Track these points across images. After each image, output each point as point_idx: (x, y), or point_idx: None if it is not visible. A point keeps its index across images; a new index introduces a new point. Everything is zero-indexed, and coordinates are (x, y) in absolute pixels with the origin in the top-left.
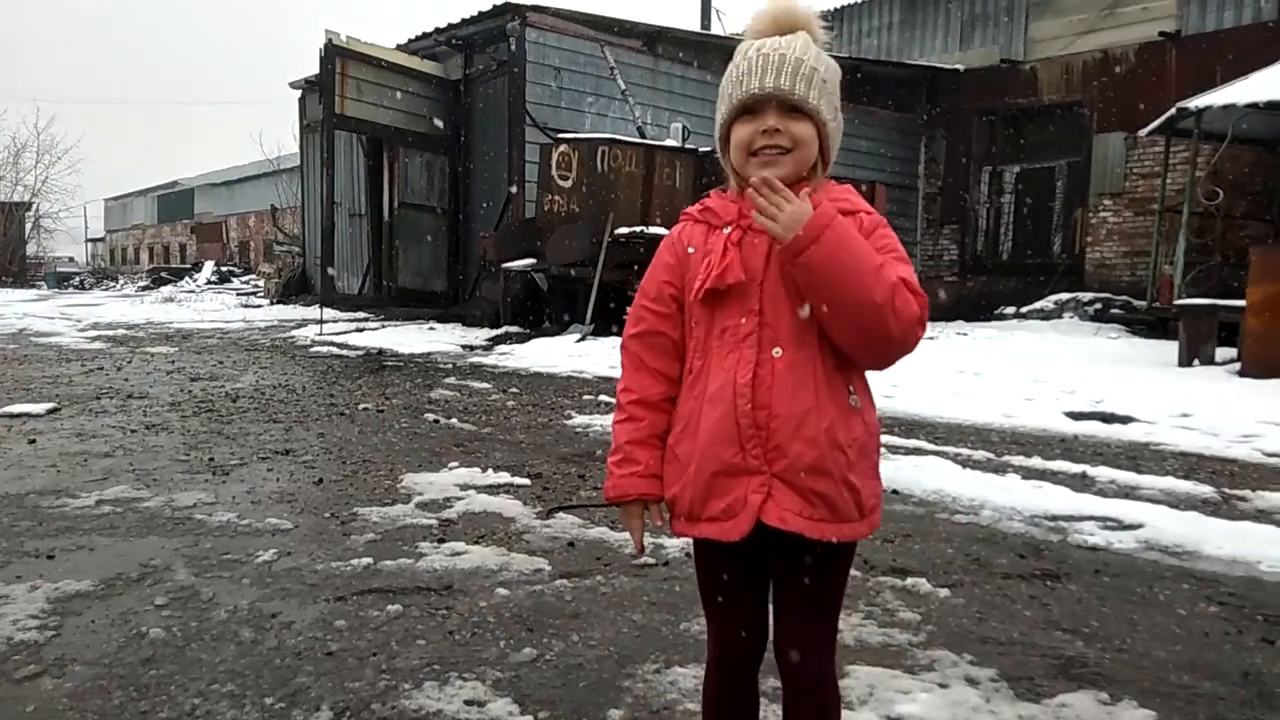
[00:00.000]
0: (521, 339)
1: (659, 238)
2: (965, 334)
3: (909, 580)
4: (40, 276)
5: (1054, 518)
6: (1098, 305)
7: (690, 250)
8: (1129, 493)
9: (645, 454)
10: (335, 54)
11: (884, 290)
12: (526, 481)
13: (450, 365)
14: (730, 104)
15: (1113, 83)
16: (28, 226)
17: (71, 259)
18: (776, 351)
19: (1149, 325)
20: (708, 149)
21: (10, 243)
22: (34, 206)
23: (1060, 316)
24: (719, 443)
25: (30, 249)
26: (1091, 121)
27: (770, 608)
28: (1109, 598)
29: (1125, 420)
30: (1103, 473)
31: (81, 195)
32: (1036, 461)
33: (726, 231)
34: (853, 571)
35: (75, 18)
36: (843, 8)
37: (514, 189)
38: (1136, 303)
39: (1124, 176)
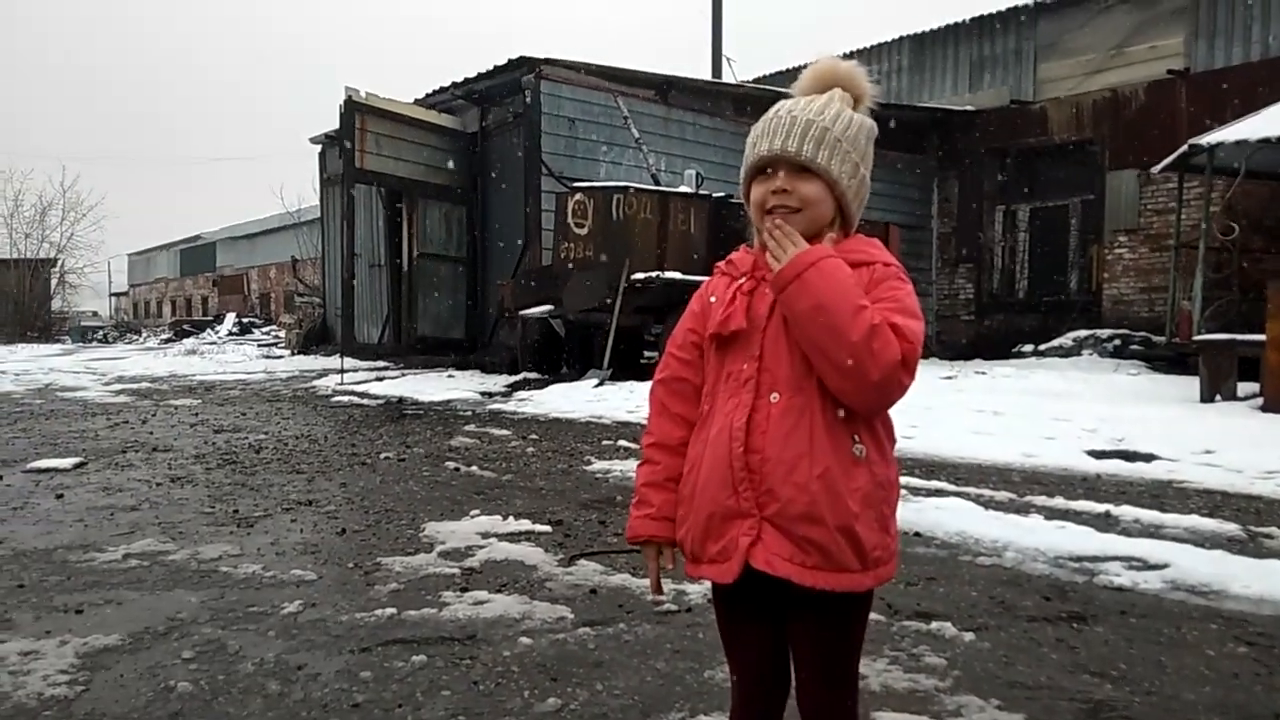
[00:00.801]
0: (540, 385)
1: (674, 283)
2: (984, 373)
3: (933, 624)
4: (65, 331)
5: (1079, 559)
6: (1117, 341)
7: (712, 300)
8: (1153, 532)
9: (658, 496)
10: (355, 109)
11: (860, 330)
12: (547, 528)
13: (470, 412)
14: (747, 164)
15: (1124, 121)
16: (53, 282)
17: (95, 313)
18: (774, 397)
19: (1169, 361)
20: (721, 194)
21: (36, 299)
22: (59, 263)
23: (1079, 353)
24: (715, 485)
25: (55, 304)
26: (1104, 159)
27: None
28: (1136, 639)
29: (1148, 458)
30: (1126, 512)
31: (105, 250)
32: (1059, 501)
33: (740, 281)
34: (876, 616)
35: (98, 78)
36: (852, 53)
37: (530, 237)
38: (1155, 338)
39: (1139, 213)
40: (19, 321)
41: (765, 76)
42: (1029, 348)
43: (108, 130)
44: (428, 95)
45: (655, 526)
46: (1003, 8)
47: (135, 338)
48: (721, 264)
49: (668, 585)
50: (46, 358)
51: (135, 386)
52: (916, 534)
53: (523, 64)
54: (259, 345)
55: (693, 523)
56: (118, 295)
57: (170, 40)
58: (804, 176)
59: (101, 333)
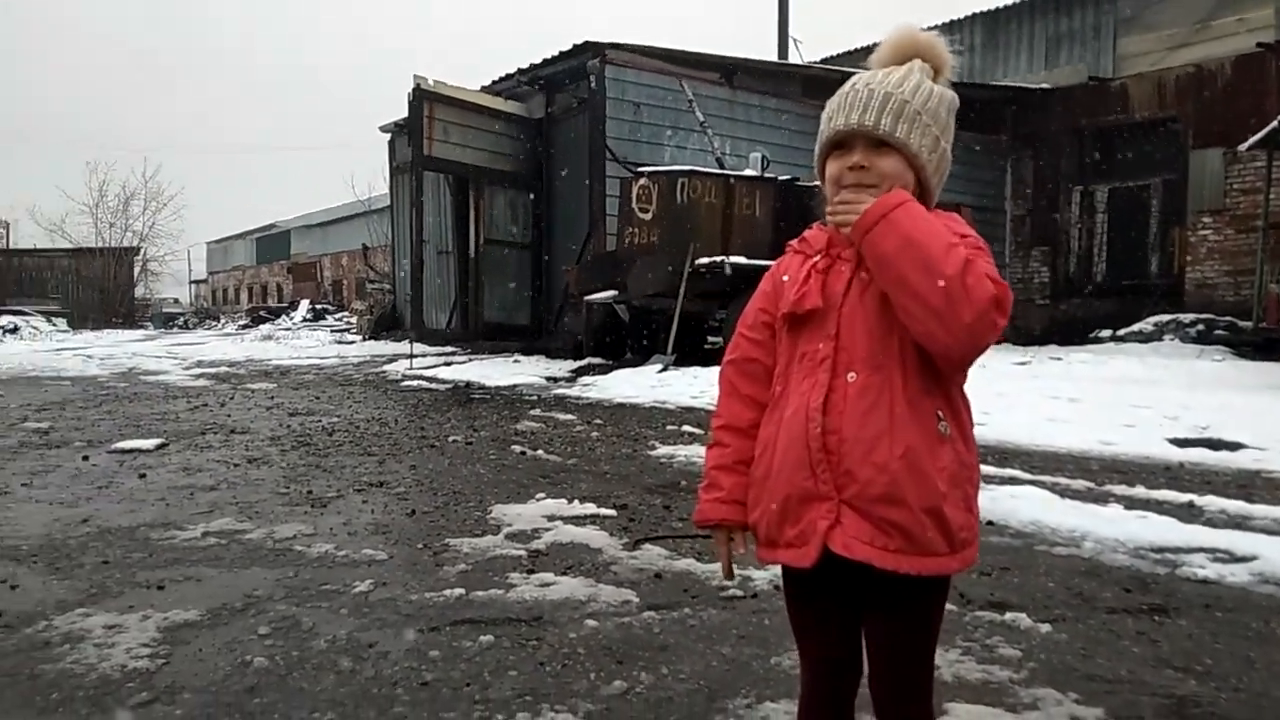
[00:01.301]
0: (604, 370)
1: (739, 267)
2: (1059, 359)
3: (1008, 615)
4: (147, 317)
5: (1160, 550)
6: (1200, 326)
7: (785, 279)
8: (1240, 523)
9: (729, 479)
10: (423, 98)
11: (954, 264)
12: (612, 512)
13: (535, 397)
14: (822, 140)
15: (1209, 97)
16: (136, 270)
17: (176, 300)
18: (851, 376)
19: (1256, 347)
20: (787, 177)
21: (120, 286)
22: (142, 251)
23: (1160, 339)
24: (791, 467)
25: (138, 291)
26: (1187, 137)
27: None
28: (1222, 634)
29: (1234, 447)
30: (1211, 502)
31: (185, 239)
32: (1140, 491)
33: (815, 259)
34: (949, 605)
35: (179, 72)
36: (923, 30)
37: (594, 222)
38: (1242, 323)
39: (1224, 193)
40: (104, 308)
41: (832, 57)
42: (1107, 333)
43: (188, 122)
44: (494, 82)
45: (726, 510)
46: None
47: (214, 324)
48: (794, 242)
49: (735, 570)
50: (130, 343)
51: (214, 371)
52: (990, 523)
53: (587, 49)
54: (331, 331)
55: (766, 506)
56: (197, 282)
57: (247, 36)
58: (882, 151)
59: (182, 319)
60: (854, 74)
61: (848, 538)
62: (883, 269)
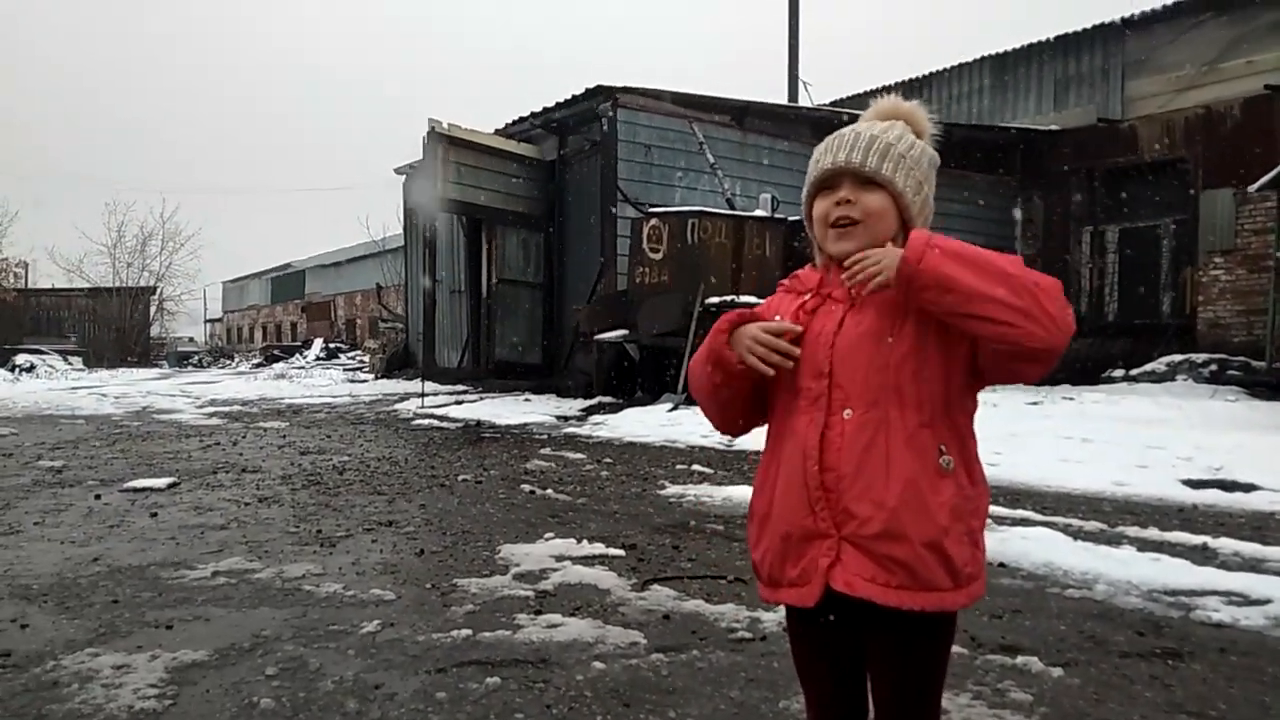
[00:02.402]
0: (615, 409)
1: (750, 307)
2: (1072, 398)
3: (1019, 659)
4: (162, 356)
5: (1174, 592)
6: (1213, 366)
7: (777, 319)
8: (1255, 566)
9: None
10: (438, 140)
11: (1011, 264)
12: (621, 552)
13: (545, 436)
14: (810, 181)
15: (1218, 138)
16: (152, 309)
17: (191, 339)
18: (846, 413)
19: (1270, 387)
20: (796, 218)
21: (136, 325)
22: (158, 290)
23: (1173, 379)
24: (791, 506)
25: (154, 330)
26: (1197, 178)
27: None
28: (1237, 678)
29: (1248, 488)
30: (1225, 544)
31: (201, 279)
32: (1153, 533)
33: (805, 299)
34: (959, 649)
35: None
36: (931, 74)
37: (606, 262)
38: (1255, 363)
39: (1235, 233)
40: (120, 347)
41: (842, 100)
42: (1119, 373)
43: (206, 164)
44: (507, 125)
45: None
46: (1089, 25)
47: (228, 362)
48: (785, 281)
49: (742, 613)
50: (145, 381)
51: (227, 409)
52: (1001, 565)
53: (599, 92)
54: (344, 370)
55: (769, 544)
56: (212, 321)
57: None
58: (868, 189)
59: (197, 358)
60: (861, 115)
61: (849, 575)
62: (949, 293)
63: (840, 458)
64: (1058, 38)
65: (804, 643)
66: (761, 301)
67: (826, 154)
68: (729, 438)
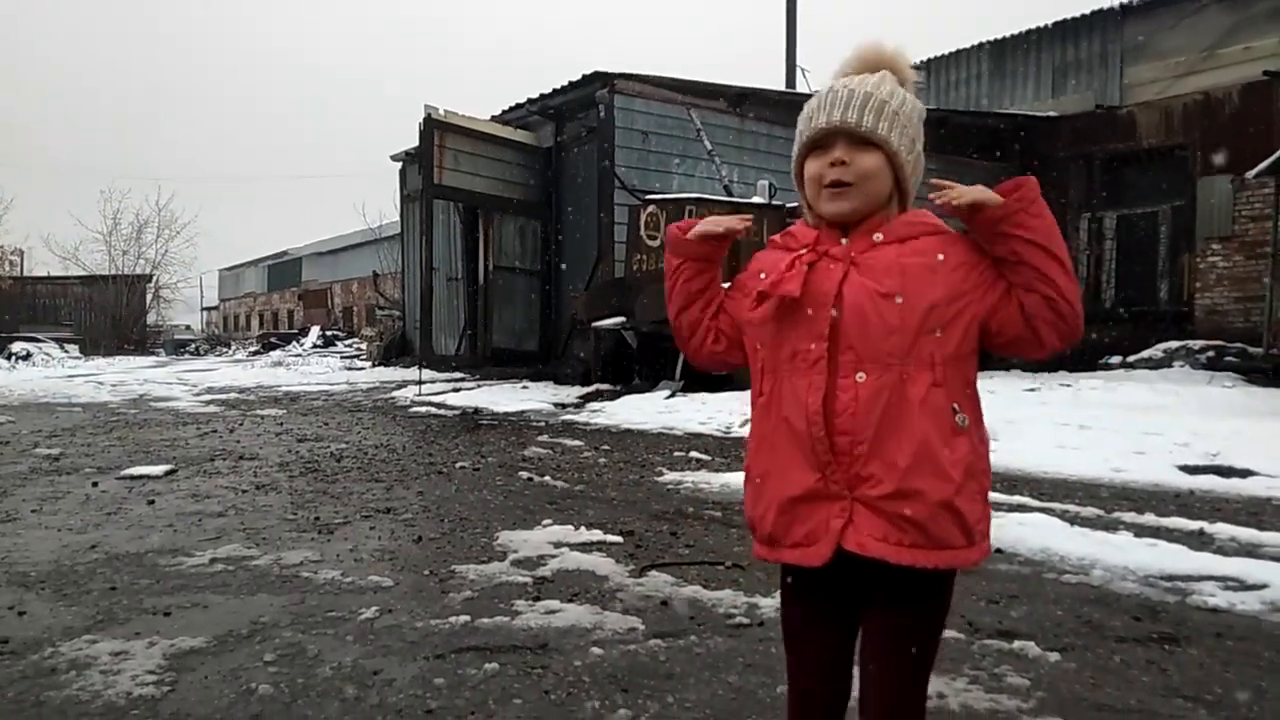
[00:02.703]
0: (612, 396)
1: None
2: (1069, 385)
3: (1016, 643)
4: (159, 344)
5: (1170, 578)
6: (1210, 353)
7: (762, 276)
8: (1251, 551)
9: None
10: (434, 127)
11: (1067, 255)
12: (619, 539)
13: (543, 423)
14: (801, 140)
15: (1216, 125)
16: (148, 297)
17: (188, 327)
18: (860, 376)
19: (1266, 373)
20: (794, 204)
21: (132, 313)
22: (154, 278)
23: (1170, 365)
24: (795, 468)
25: (150, 318)
26: (1195, 165)
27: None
28: (1233, 663)
29: (1244, 474)
30: (1222, 529)
31: (198, 266)
32: (1150, 518)
33: (801, 253)
34: (956, 634)
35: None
36: (930, 60)
37: (603, 250)
38: (1252, 350)
39: (1233, 219)
40: (116, 335)
41: None
42: (1116, 359)
43: (202, 151)
44: (504, 112)
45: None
46: (1087, 11)
47: (225, 350)
48: (777, 236)
49: (740, 599)
50: (141, 369)
51: (224, 397)
52: (998, 550)
53: (597, 79)
54: (341, 357)
55: (768, 506)
56: (209, 309)
57: (260, 66)
58: (863, 149)
59: (193, 345)
60: None
61: (861, 536)
62: (1034, 245)
63: (855, 421)
64: (1056, 24)
65: (798, 606)
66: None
67: (820, 111)
68: (713, 367)
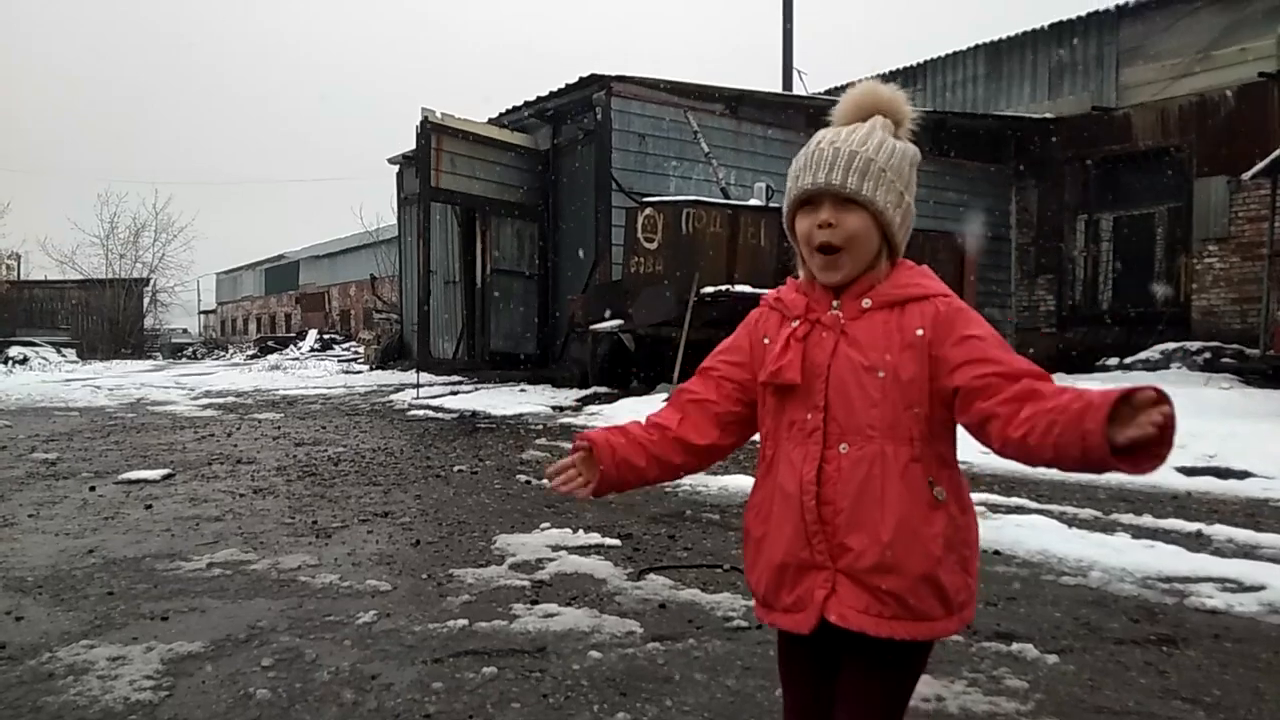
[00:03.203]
0: (610, 399)
1: (744, 296)
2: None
3: (1014, 645)
4: (156, 348)
5: (1168, 579)
6: (1207, 355)
7: (765, 340)
8: (1249, 552)
9: (623, 438)
10: (431, 130)
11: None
12: (617, 542)
13: (541, 426)
14: (789, 198)
15: (1212, 126)
16: (145, 301)
17: (185, 330)
18: (843, 447)
19: (1263, 375)
20: None
21: (129, 317)
22: (151, 282)
23: (1167, 367)
24: (787, 537)
25: (147, 322)
26: (1191, 166)
27: None
28: (1231, 665)
29: (1241, 475)
30: (1219, 531)
31: (195, 270)
32: (1147, 520)
33: (794, 325)
34: (956, 636)
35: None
36: (926, 62)
37: (600, 252)
38: (1249, 351)
39: (1229, 221)
40: (113, 339)
41: (836, 88)
42: (1114, 361)
43: (199, 155)
44: (501, 114)
45: (602, 441)
46: (1083, 12)
47: (222, 354)
48: (770, 298)
49: (738, 602)
50: (139, 373)
51: (221, 401)
52: (996, 552)
53: (593, 81)
54: (339, 361)
55: (763, 570)
56: (206, 313)
57: (257, 68)
58: (849, 208)
59: (191, 349)
60: None
61: (843, 608)
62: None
63: (837, 492)
64: (1052, 25)
65: (791, 661)
66: (757, 291)
67: (806, 172)
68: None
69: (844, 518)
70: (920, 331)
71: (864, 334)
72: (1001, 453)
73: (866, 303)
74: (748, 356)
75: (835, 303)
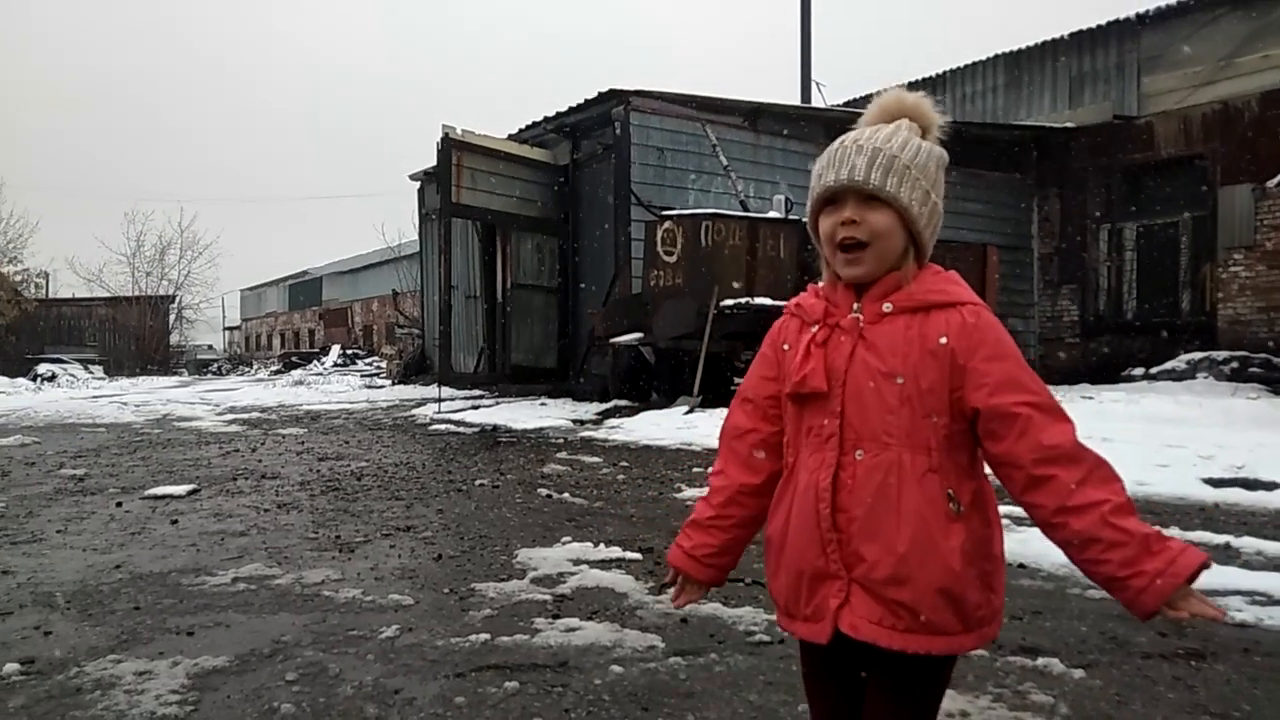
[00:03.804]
0: (630, 412)
1: (763, 309)
2: (1091, 397)
3: (1040, 660)
4: (182, 364)
5: None
6: (1234, 364)
7: (785, 348)
8: (1279, 565)
9: (697, 535)
10: (451, 146)
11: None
12: (638, 556)
13: (561, 440)
14: (813, 197)
15: (1236, 133)
16: (171, 318)
17: (210, 346)
18: (859, 454)
19: None
20: None
21: (155, 334)
22: (177, 299)
23: (1193, 377)
24: (804, 545)
25: (173, 338)
26: (1215, 174)
27: None
28: (1261, 679)
29: (1270, 486)
30: (1248, 543)
31: (220, 287)
32: (1174, 532)
33: (814, 330)
34: (980, 651)
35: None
36: (945, 72)
37: (620, 266)
38: (1277, 360)
39: (1254, 229)
40: (140, 355)
41: (855, 100)
42: (1139, 371)
43: (224, 173)
44: (521, 130)
45: (686, 562)
46: (1103, 21)
47: (247, 370)
48: (791, 305)
49: (760, 616)
50: (165, 389)
51: (246, 416)
52: (1021, 565)
53: (612, 96)
54: (362, 375)
55: (784, 579)
56: (231, 329)
57: (280, 87)
58: (873, 206)
59: (216, 365)
60: None
61: (855, 618)
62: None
63: (852, 499)
64: (1072, 34)
65: (814, 671)
66: (776, 303)
67: (829, 169)
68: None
69: (858, 526)
70: (944, 340)
71: (883, 339)
72: (1019, 502)
73: (888, 307)
74: (775, 370)
75: (856, 305)
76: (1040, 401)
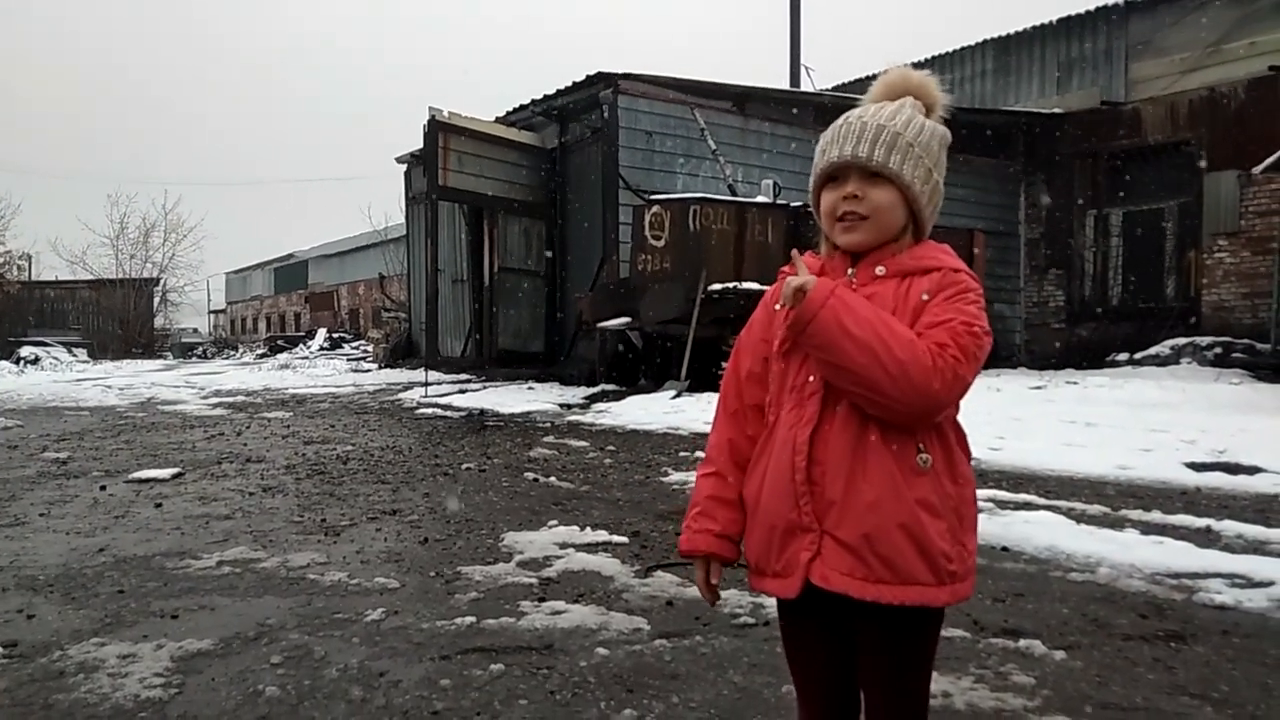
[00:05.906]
0: (618, 397)
1: (752, 293)
2: (1075, 383)
3: (1022, 642)
4: (166, 347)
5: (1177, 575)
6: (1217, 350)
7: (777, 308)
8: (1258, 548)
9: (725, 513)
10: (438, 128)
11: (894, 363)
12: (624, 539)
13: (549, 424)
14: (816, 173)
15: (1222, 120)
16: (155, 301)
17: (195, 330)
18: (839, 408)
19: (1274, 370)
20: (799, 204)
21: (140, 316)
22: (161, 282)
23: (1177, 362)
24: (777, 499)
25: (158, 322)
26: (1201, 160)
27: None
28: (1240, 660)
29: (1252, 471)
30: (1229, 527)
31: (205, 270)
32: (1156, 516)
33: None
34: (962, 632)
35: (198, 106)
36: (934, 57)
37: (608, 250)
38: (1260, 346)
39: (1239, 215)
40: (124, 338)
41: (845, 84)
42: (1123, 356)
43: (208, 155)
44: (509, 113)
45: (718, 545)
46: (1091, 7)
47: (232, 353)
48: (786, 267)
49: (744, 598)
50: (149, 373)
51: (231, 400)
52: (1004, 548)
53: (600, 79)
54: (348, 359)
55: (756, 536)
56: (216, 312)
57: (264, 69)
58: (875, 182)
59: (201, 349)
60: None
61: (826, 569)
62: (820, 365)
63: (826, 452)
64: (1060, 20)
65: (792, 633)
66: (764, 287)
67: (833, 145)
68: None
69: (830, 476)
70: (925, 297)
71: (874, 299)
72: None
73: (880, 270)
74: (768, 330)
75: (851, 270)
76: (948, 355)
